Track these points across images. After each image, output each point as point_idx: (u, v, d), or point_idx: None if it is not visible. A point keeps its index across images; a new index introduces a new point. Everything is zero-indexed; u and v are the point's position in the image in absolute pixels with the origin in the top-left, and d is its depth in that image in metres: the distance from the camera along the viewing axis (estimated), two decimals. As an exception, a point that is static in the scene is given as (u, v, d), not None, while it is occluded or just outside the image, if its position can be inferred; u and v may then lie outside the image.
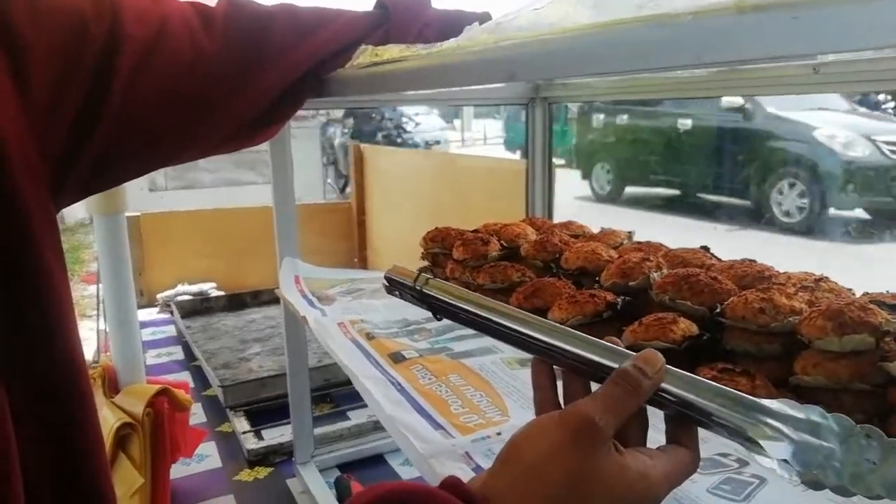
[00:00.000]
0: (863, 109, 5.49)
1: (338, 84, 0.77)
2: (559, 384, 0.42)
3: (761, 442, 0.34)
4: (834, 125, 5.00)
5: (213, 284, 2.89)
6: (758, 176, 5.35)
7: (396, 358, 0.85)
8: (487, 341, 0.88)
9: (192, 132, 0.66)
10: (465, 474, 0.56)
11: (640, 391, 0.37)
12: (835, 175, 4.88)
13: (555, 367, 0.43)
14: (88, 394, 0.49)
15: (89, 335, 2.02)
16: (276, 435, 1.65)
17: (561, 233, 0.85)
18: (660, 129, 6.21)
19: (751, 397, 0.35)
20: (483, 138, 14.80)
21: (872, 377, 0.47)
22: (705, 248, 0.74)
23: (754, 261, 0.67)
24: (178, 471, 1.48)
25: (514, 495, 0.35)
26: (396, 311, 1.01)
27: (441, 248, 0.87)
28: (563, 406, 0.40)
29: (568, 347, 0.40)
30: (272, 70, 0.70)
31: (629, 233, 0.87)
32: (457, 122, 14.47)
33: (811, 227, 4.87)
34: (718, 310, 0.56)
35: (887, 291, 0.58)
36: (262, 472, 1.55)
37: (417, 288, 0.49)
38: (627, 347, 0.40)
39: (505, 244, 0.83)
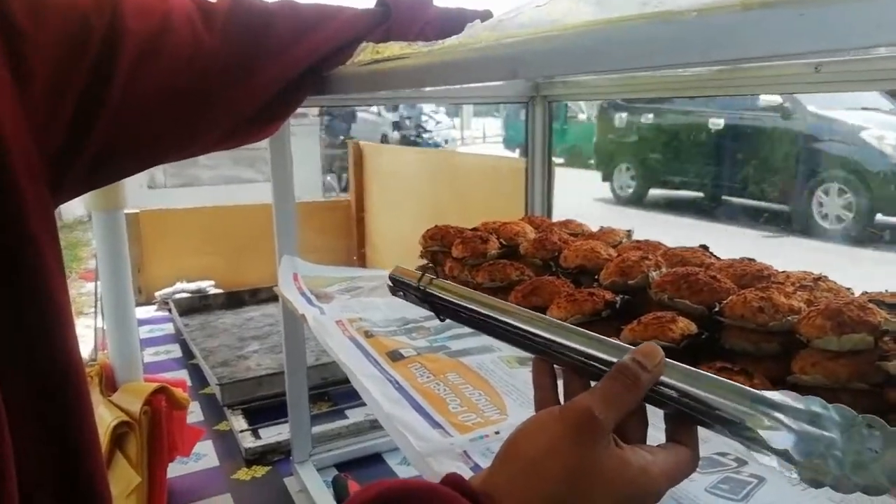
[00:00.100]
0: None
1: (338, 81, 0.77)
2: (560, 384, 0.42)
3: (761, 432, 0.33)
4: (880, 126, 4.63)
5: (212, 282, 2.88)
6: (797, 179, 5.03)
7: (395, 356, 0.84)
8: (486, 340, 0.88)
9: (192, 128, 0.66)
10: (463, 473, 0.56)
11: (640, 384, 0.37)
12: (887, 179, 4.54)
13: (555, 366, 0.43)
14: (85, 393, 0.49)
15: (87, 332, 2.02)
16: (274, 433, 1.64)
17: (560, 231, 0.85)
18: (689, 127, 5.87)
19: (750, 389, 0.35)
20: (482, 136, 14.82)
21: (871, 376, 0.47)
22: (704, 247, 0.74)
23: (753, 260, 0.67)
24: (175, 469, 1.48)
25: (515, 491, 0.35)
26: (395, 309, 1.01)
27: (440, 246, 0.87)
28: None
29: (577, 346, 0.40)
30: (273, 66, 0.70)
31: (628, 231, 0.87)
32: (456, 121, 14.47)
33: (856, 234, 4.51)
34: (717, 309, 0.56)
35: (886, 290, 0.58)
36: (260, 471, 1.55)
37: (421, 287, 0.49)
38: None
39: (504, 242, 0.83)
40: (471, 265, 0.80)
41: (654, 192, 6.46)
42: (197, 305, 2.68)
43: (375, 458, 1.59)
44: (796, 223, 4.95)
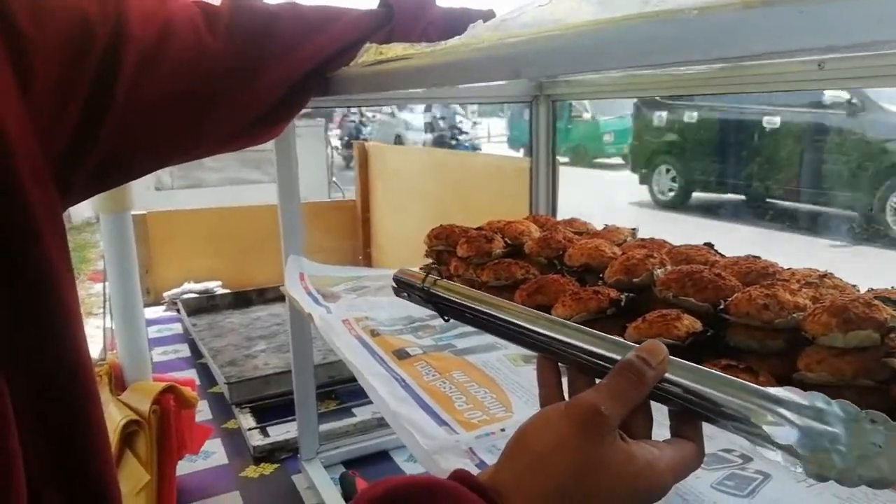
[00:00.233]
0: None
1: (342, 82, 0.77)
2: (564, 382, 0.42)
3: (766, 428, 0.34)
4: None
5: (219, 282, 2.90)
6: (867, 183, 4.57)
7: (401, 355, 0.85)
8: (491, 338, 0.88)
9: (197, 130, 0.67)
10: (470, 470, 0.56)
11: (645, 381, 0.37)
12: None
13: (560, 364, 0.43)
14: (94, 392, 0.49)
15: (96, 333, 2.04)
16: (282, 431, 1.65)
17: (564, 230, 0.85)
18: (740, 126, 5.41)
19: (754, 385, 0.36)
20: (487, 136, 14.80)
21: (877, 373, 0.47)
22: (709, 245, 0.74)
23: (758, 257, 0.67)
24: (184, 467, 1.49)
25: (522, 486, 0.35)
26: (401, 308, 1.01)
27: (445, 245, 0.87)
28: None
29: (582, 344, 0.40)
30: (277, 68, 0.70)
31: (633, 230, 0.87)
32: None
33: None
34: (722, 306, 0.56)
35: (892, 287, 0.58)
36: (268, 469, 1.56)
37: (425, 288, 0.49)
38: None
39: (509, 241, 0.83)
40: (476, 264, 0.80)
41: (698, 196, 6.04)
42: (205, 305, 2.70)
43: (382, 456, 1.60)
44: (866, 231, 4.59)
